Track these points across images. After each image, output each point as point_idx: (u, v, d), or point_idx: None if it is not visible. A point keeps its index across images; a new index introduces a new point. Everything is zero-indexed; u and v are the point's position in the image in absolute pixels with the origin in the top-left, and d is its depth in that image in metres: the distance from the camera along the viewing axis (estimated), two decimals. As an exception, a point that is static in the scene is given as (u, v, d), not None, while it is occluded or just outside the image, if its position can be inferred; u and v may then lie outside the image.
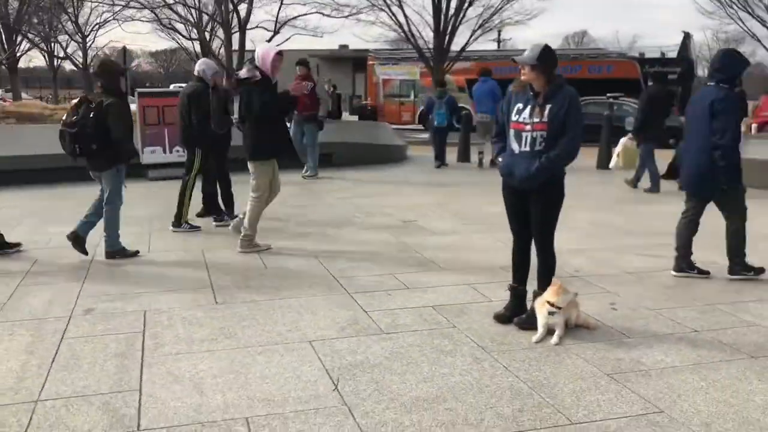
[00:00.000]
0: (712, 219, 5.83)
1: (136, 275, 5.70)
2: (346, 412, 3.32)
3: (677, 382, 3.69)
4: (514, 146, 4.36)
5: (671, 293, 5.32)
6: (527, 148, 4.29)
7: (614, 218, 8.31)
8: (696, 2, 53.67)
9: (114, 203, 6.18)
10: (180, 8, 25.79)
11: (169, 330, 4.42)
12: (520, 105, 4.34)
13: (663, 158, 11.98)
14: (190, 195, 7.51)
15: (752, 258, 5.76)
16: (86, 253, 6.24)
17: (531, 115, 4.25)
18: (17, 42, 27.87)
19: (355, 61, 45.35)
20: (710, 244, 5.92)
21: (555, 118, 4.20)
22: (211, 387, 3.58)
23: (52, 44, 31.61)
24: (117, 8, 23.33)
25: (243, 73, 6.42)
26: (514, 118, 4.35)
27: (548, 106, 4.22)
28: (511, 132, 4.38)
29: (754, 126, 15.63)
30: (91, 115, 5.85)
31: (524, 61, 4.19)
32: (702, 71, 57.42)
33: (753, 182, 10.69)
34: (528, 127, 4.27)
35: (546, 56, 4.19)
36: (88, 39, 26.39)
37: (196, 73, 7.67)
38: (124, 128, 6.02)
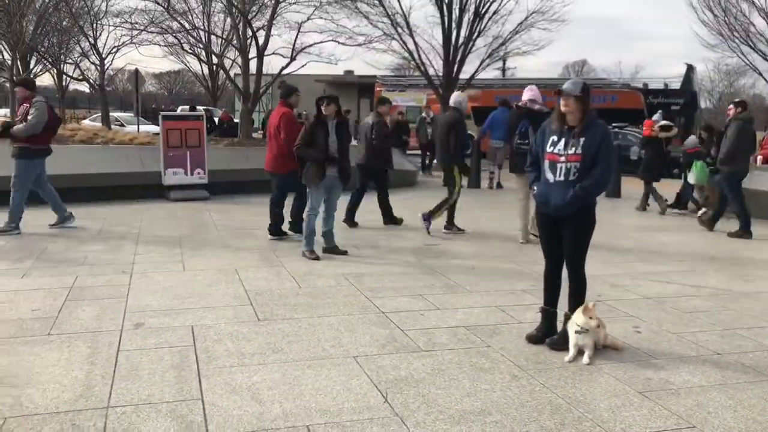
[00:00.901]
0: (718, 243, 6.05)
1: (176, 292, 5.93)
2: (399, 423, 3.54)
3: (706, 401, 3.92)
4: (549, 176, 4.63)
5: (691, 318, 5.55)
6: (561, 178, 4.56)
7: (629, 245, 8.58)
8: (698, 35, 54.47)
9: None
10: (201, 34, 26.36)
11: (218, 344, 4.64)
12: (554, 137, 4.62)
13: (675, 188, 12.27)
14: (454, 205, 9.19)
15: None
16: None
17: (566, 147, 4.53)
18: (30, 63, 28.31)
19: (361, 87, 45.96)
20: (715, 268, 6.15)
21: (589, 150, 4.48)
22: (269, 397, 3.81)
23: (63, 65, 32.07)
24: (135, 32, 23.72)
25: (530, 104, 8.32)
26: (549, 149, 4.63)
27: (582, 139, 4.50)
28: (546, 163, 4.65)
29: (759, 158, 15.93)
30: None
31: (571, 91, 4.48)
32: (705, 103, 58.12)
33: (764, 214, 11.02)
34: (562, 159, 4.55)
35: (586, 90, 4.51)
36: (106, 61, 26.83)
37: (452, 104, 9.21)
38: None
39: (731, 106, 10.06)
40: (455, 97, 9.34)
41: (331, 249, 7.61)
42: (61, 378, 4.02)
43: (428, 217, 8.99)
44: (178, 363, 4.30)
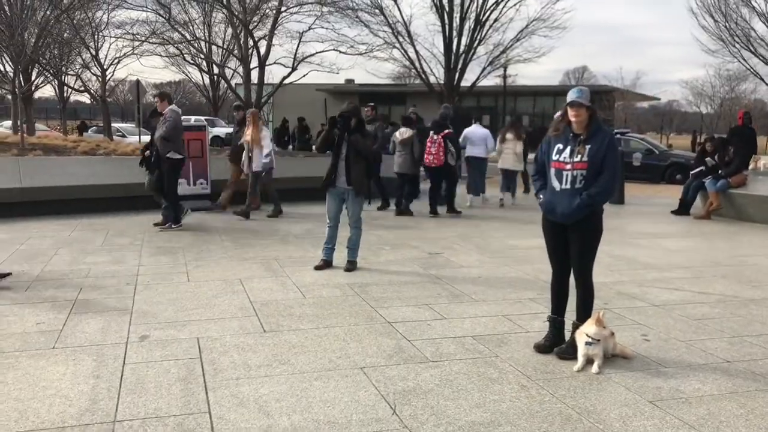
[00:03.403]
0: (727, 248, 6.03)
1: (181, 304, 5.91)
2: (408, 435, 3.51)
3: (717, 410, 3.88)
4: (555, 184, 4.61)
5: (699, 325, 5.51)
6: (568, 186, 4.54)
7: (634, 252, 8.54)
8: (699, 40, 54.63)
9: None
10: (202, 44, 26.44)
11: (224, 356, 4.61)
12: (560, 145, 4.60)
13: (678, 194, 12.25)
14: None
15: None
16: None
17: (572, 155, 4.51)
18: (32, 74, 28.41)
19: (361, 96, 46.09)
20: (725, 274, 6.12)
21: (594, 158, 4.46)
22: (277, 410, 3.78)
23: (64, 76, 32.20)
24: (137, 43, 23.83)
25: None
26: (554, 157, 4.61)
27: (587, 147, 4.48)
28: (552, 171, 4.63)
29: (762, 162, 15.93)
30: None
31: (582, 102, 4.46)
32: (705, 109, 58.07)
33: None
34: (568, 167, 4.53)
35: (591, 98, 4.49)
36: (107, 72, 26.95)
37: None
38: None
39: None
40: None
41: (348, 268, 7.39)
42: (67, 392, 3.99)
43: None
44: (185, 376, 4.27)
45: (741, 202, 11.77)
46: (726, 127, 22.55)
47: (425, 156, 11.43)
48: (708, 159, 12.39)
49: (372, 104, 9.95)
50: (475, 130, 13.16)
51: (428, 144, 11.41)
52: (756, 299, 6.35)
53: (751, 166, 13.69)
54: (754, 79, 37.02)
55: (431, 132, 11.50)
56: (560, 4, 37.40)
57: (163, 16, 22.35)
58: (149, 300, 6.02)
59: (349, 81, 48.54)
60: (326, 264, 7.40)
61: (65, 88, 33.82)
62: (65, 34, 27.25)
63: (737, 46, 31.52)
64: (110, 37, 26.76)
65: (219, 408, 3.79)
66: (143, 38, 23.59)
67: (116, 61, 27.87)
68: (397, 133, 12.00)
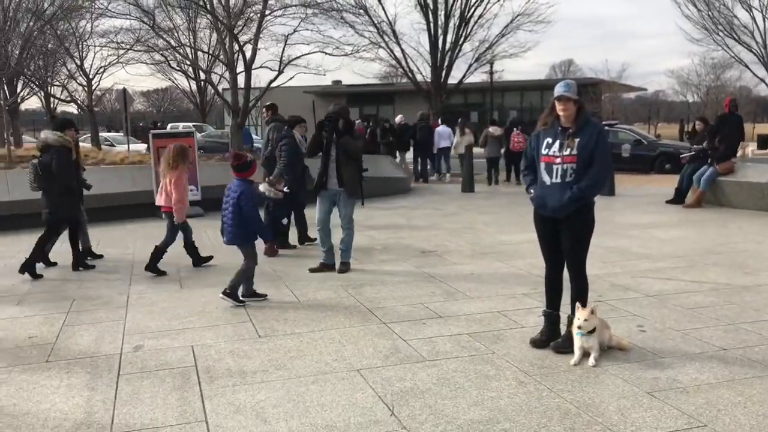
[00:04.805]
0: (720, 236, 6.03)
1: (174, 312, 5.87)
2: (407, 435, 3.49)
3: (715, 398, 3.88)
4: (546, 178, 4.60)
5: (694, 314, 5.52)
6: (558, 180, 4.53)
7: (626, 243, 8.56)
8: (683, 30, 54.84)
9: None
10: (188, 50, 26.31)
11: (219, 363, 4.58)
12: (549, 139, 4.60)
13: (668, 183, 12.27)
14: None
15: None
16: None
17: (561, 149, 4.50)
18: (17, 86, 28.25)
19: (349, 97, 46.06)
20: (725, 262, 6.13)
21: (584, 151, 4.46)
22: (274, 416, 3.75)
23: (50, 87, 32.02)
24: (122, 51, 23.71)
25: None
26: (544, 152, 4.60)
27: (577, 140, 4.48)
28: (542, 165, 4.62)
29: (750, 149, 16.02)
30: None
31: (570, 95, 4.45)
32: (692, 97, 58.27)
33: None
34: (558, 160, 4.52)
35: (578, 91, 4.48)
36: (93, 81, 26.83)
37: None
38: None
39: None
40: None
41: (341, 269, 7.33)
42: (62, 405, 3.96)
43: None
44: (180, 384, 4.24)
45: (730, 190, 11.81)
46: (713, 114, 22.73)
47: None
48: (695, 147, 12.45)
49: (269, 104, 9.53)
50: (442, 130, 19.17)
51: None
52: (749, 286, 6.36)
53: (739, 153, 13.74)
54: (738, 67, 37.23)
55: None
56: (544, -1, 37.57)
57: (147, 24, 22.23)
58: (142, 309, 5.98)
59: (337, 82, 48.49)
60: (325, 267, 7.35)
61: (51, 98, 33.61)
62: (49, 45, 27.10)
63: (721, 34, 31.69)
64: (95, 46, 26.53)
65: (216, 416, 3.77)
66: (128, 46, 23.47)
67: (102, 70, 27.76)
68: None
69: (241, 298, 6.04)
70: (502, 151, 17.32)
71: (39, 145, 7.84)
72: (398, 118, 20.13)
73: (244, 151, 7.84)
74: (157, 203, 7.95)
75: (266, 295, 6.24)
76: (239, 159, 6.33)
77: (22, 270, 7.29)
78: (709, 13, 31.43)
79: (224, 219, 6.19)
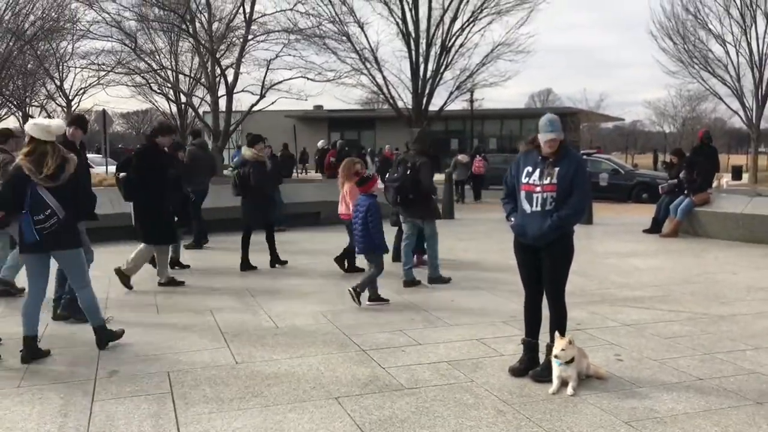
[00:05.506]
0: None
1: (150, 337, 5.79)
2: (385, 465, 3.46)
3: (692, 428, 3.89)
4: (526, 206, 4.64)
5: (671, 343, 5.56)
6: (538, 208, 4.57)
7: (604, 272, 8.62)
8: (660, 62, 55.83)
9: None
10: (169, 73, 26.29)
11: (196, 390, 4.52)
12: (529, 168, 4.64)
13: (645, 213, 12.39)
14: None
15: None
16: None
17: (541, 177, 4.55)
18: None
19: (330, 121, 46.26)
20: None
21: (563, 180, 4.51)
22: (250, 444, 3.70)
23: (28, 108, 31.80)
24: (102, 73, 23.63)
25: None
26: (524, 180, 4.64)
27: (557, 169, 4.53)
28: (522, 193, 4.66)
29: (725, 180, 16.30)
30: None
31: (557, 137, 4.49)
32: (669, 128, 59.17)
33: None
34: (538, 189, 4.56)
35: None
36: (73, 102, 26.68)
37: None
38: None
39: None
40: None
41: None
42: (33, 433, 3.88)
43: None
44: (156, 411, 4.17)
45: (706, 220, 11.98)
46: (689, 145, 23.08)
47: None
48: (672, 180, 12.64)
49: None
50: None
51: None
52: (725, 316, 6.43)
53: (714, 184, 13.96)
54: (713, 99, 37.95)
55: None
56: (524, 29, 37.96)
57: (128, 46, 22.23)
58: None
59: (318, 107, 48.66)
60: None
61: (29, 119, 33.40)
62: (29, 65, 26.94)
63: (696, 67, 32.31)
64: (75, 67, 26.45)
65: (191, 444, 3.71)
66: (109, 68, 23.41)
67: (82, 91, 27.65)
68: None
69: (360, 300, 6.80)
70: (469, 174, 20.11)
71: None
72: (320, 143, 20.91)
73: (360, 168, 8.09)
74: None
75: (388, 300, 6.99)
76: (358, 175, 7.54)
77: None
78: (685, 46, 32.09)
79: (355, 231, 7.11)
